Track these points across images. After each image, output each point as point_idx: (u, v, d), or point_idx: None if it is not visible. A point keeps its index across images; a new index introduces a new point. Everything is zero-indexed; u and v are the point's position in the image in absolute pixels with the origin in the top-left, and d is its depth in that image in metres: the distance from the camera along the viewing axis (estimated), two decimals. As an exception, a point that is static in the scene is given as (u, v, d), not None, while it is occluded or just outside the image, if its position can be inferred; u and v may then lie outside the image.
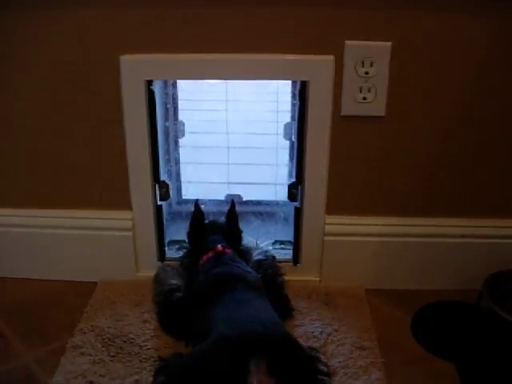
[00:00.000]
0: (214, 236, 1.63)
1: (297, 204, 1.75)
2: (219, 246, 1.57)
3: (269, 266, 1.65)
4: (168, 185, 1.78)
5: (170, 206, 1.95)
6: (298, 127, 1.66)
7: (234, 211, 1.66)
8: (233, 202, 1.67)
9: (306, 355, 1.36)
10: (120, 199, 1.73)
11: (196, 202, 1.66)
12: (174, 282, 1.63)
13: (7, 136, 1.69)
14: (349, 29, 1.53)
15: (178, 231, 1.86)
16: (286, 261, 1.78)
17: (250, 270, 1.56)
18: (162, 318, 1.62)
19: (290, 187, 1.77)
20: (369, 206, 1.73)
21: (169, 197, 1.80)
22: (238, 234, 1.68)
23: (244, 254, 1.66)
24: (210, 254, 1.57)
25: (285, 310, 1.61)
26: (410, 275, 1.78)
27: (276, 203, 1.98)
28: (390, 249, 1.74)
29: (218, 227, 1.67)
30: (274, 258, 1.72)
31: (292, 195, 1.77)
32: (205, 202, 1.97)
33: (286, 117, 1.80)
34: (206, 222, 1.68)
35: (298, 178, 1.71)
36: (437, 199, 1.72)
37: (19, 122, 1.67)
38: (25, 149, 1.70)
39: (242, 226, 1.70)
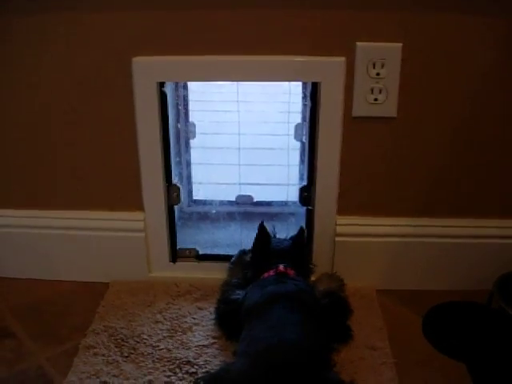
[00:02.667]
0: (279, 260, 1.59)
1: (308, 206, 1.76)
2: (281, 266, 1.56)
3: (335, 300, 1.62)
4: (179, 188, 1.77)
5: (180, 207, 1.95)
6: (310, 128, 1.66)
7: (303, 239, 1.65)
8: (302, 228, 1.64)
9: None
10: (132, 200, 1.74)
11: (261, 224, 1.63)
12: (236, 289, 1.64)
13: (23, 138, 1.70)
14: (360, 30, 1.54)
15: (189, 237, 1.88)
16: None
17: (306, 287, 1.54)
18: (220, 316, 1.63)
19: (302, 190, 1.76)
20: (380, 206, 1.73)
21: (179, 201, 1.79)
22: (306, 265, 1.66)
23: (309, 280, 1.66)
24: (272, 273, 1.56)
25: (344, 335, 1.59)
26: (421, 275, 1.78)
27: (287, 204, 1.98)
28: (401, 249, 1.74)
29: (284, 254, 1.62)
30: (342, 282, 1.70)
31: (304, 199, 1.76)
32: (215, 202, 1.98)
33: (298, 117, 1.80)
34: (271, 244, 1.65)
35: (310, 179, 1.72)
36: (448, 200, 1.72)
37: (33, 123, 1.68)
38: (40, 151, 1.71)
39: (252, 226, 1.71)
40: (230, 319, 1.57)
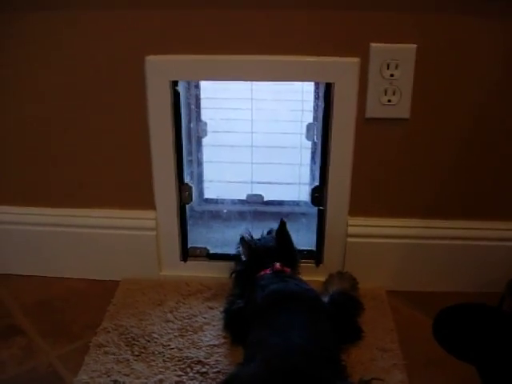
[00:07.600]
0: (269, 258, 1.60)
1: (320, 206, 1.75)
2: (278, 265, 1.57)
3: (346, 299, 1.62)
4: (191, 187, 1.77)
5: (191, 206, 1.94)
6: (322, 129, 1.66)
7: (286, 231, 1.64)
8: (282, 220, 1.65)
9: None
10: (144, 199, 1.74)
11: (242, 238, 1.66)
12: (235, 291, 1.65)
13: (35, 136, 1.71)
14: (374, 31, 1.53)
15: (200, 236, 1.88)
16: (309, 261, 1.79)
17: (309, 287, 1.55)
18: (226, 324, 1.63)
19: (314, 191, 1.75)
20: (392, 207, 1.73)
21: (191, 200, 1.79)
22: (294, 257, 1.65)
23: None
24: (268, 271, 1.56)
25: (354, 334, 1.59)
26: (432, 277, 1.77)
27: (298, 204, 1.97)
28: (412, 251, 1.74)
29: (271, 249, 1.63)
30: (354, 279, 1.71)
31: (315, 199, 1.76)
32: (226, 201, 1.97)
33: (310, 116, 1.80)
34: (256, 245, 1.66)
35: (322, 179, 1.71)
36: (460, 201, 1.71)
37: (45, 122, 1.68)
38: (51, 149, 1.72)
39: (263, 226, 1.71)
40: (236, 326, 1.57)
